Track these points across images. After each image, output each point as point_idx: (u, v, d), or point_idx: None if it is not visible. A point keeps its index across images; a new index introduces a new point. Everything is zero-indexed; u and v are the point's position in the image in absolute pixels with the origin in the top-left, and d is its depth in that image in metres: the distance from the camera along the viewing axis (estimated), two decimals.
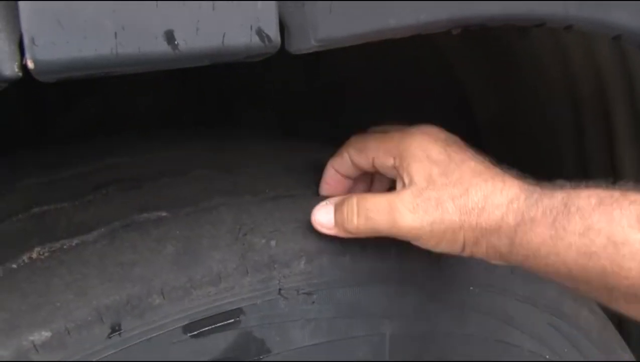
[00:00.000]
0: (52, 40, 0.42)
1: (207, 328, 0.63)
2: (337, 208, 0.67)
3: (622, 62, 0.99)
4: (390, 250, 0.71)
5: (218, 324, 0.63)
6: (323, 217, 0.67)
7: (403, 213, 0.63)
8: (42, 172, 0.70)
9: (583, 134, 1.11)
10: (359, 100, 1.15)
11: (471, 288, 0.75)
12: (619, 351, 0.89)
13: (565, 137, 1.13)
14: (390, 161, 0.67)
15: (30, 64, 0.42)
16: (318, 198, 0.71)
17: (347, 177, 0.72)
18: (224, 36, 0.48)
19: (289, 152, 0.82)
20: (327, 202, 0.68)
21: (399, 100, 1.12)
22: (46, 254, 0.62)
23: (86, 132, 0.85)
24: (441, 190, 0.63)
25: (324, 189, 0.73)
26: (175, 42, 0.46)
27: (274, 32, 0.50)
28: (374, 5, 0.53)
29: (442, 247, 0.65)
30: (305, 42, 0.51)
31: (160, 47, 0.46)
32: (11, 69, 0.42)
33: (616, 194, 0.57)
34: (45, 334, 0.57)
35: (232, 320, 0.64)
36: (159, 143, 0.78)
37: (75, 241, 0.63)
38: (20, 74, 0.42)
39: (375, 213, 0.64)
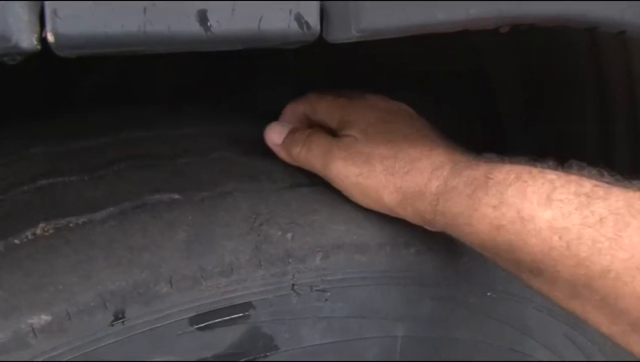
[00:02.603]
0: (76, 12, 0.38)
1: (214, 321, 0.60)
2: (292, 131, 0.71)
3: None
4: (409, 250, 0.68)
5: (226, 318, 0.60)
6: (276, 132, 0.72)
7: (335, 158, 0.66)
8: (52, 142, 0.67)
9: (611, 135, 1.07)
10: (381, 82, 1.11)
11: (489, 294, 0.72)
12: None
13: (591, 135, 1.09)
14: (334, 125, 0.70)
15: (51, 37, 0.38)
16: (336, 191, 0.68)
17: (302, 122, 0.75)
18: (260, 20, 0.44)
19: None
20: (284, 125, 0.72)
21: (424, 86, 1.09)
22: (51, 231, 0.58)
23: (103, 103, 0.81)
24: (373, 148, 0.65)
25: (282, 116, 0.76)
26: (208, 24, 0.42)
27: (314, 19, 0.46)
28: None
29: (369, 203, 0.66)
30: (346, 32, 0.47)
31: (192, 27, 0.42)
32: (29, 42, 0.38)
33: (534, 171, 0.58)
34: (46, 317, 0.54)
35: (242, 314, 0.61)
36: (178, 120, 0.74)
37: (82, 219, 0.59)
38: (39, 47, 0.39)
39: (316, 148, 0.68)
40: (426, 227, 0.66)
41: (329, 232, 0.64)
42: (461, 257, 0.71)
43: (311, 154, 0.68)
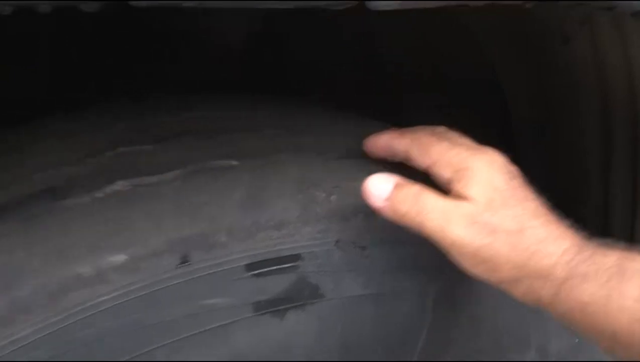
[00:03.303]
0: None
1: (267, 269, 0.63)
2: (398, 186, 0.62)
3: None
4: None
5: (277, 267, 0.63)
6: (379, 185, 0.62)
7: (456, 224, 0.58)
8: (131, 119, 0.72)
9: (611, 151, 1.08)
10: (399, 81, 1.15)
11: None
12: None
13: (592, 150, 1.10)
14: (447, 173, 0.61)
15: None
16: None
17: (395, 153, 0.67)
18: None
19: (352, 120, 0.81)
20: (390, 175, 0.63)
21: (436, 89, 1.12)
22: (128, 188, 0.63)
23: (173, 90, 0.86)
24: (499, 219, 0.58)
25: (369, 145, 0.69)
26: None
27: None
28: None
29: (478, 272, 0.60)
30: None
31: None
32: None
33: None
34: (123, 257, 0.58)
35: (291, 264, 0.64)
36: (236, 104, 0.78)
37: (154, 179, 0.64)
38: None
39: (430, 211, 0.59)
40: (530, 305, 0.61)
41: None
42: None
43: (423, 218, 0.60)
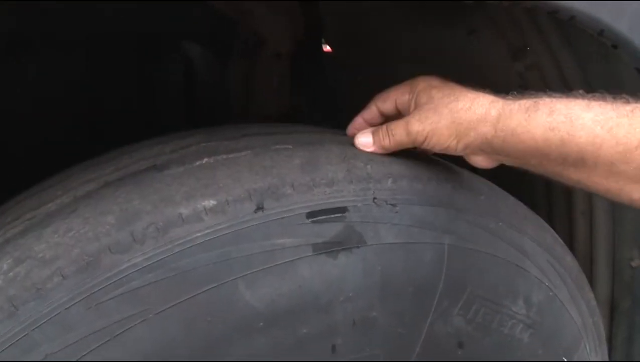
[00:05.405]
0: None
1: (322, 217, 0.65)
2: (374, 133, 0.72)
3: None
4: (448, 184, 0.73)
5: (330, 216, 0.65)
6: (364, 139, 0.72)
7: (412, 123, 0.68)
8: (207, 133, 0.75)
9: None
10: None
11: (500, 223, 0.76)
12: (587, 289, 0.89)
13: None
14: (406, 96, 0.72)
15: None
16: None
17: (371, 124, 0.76)
18: None
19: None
20: (366, 130, 0.74)
21: None
22: (212, 161, 0.67)
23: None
24: (437, 101, 0.67)
25: (350, 131, 0.77)
26: None
27: None
28: None
29: (443, 143, 0.67)
30: None
31: None
32: None
33: (568, 96, 0.62)
34: (213, 202, 0.61)
35: (340, 214, 0.66)
36: (293, 124, 0.83)
37: (232, 155, 0.67)
38: None
39: (397, 130, 0.70)
40: (480, 156, 0.69)
41: (395, 166, 0.71)
42: (480, 195, 0.76)
43: (396, 137, 0.69)
